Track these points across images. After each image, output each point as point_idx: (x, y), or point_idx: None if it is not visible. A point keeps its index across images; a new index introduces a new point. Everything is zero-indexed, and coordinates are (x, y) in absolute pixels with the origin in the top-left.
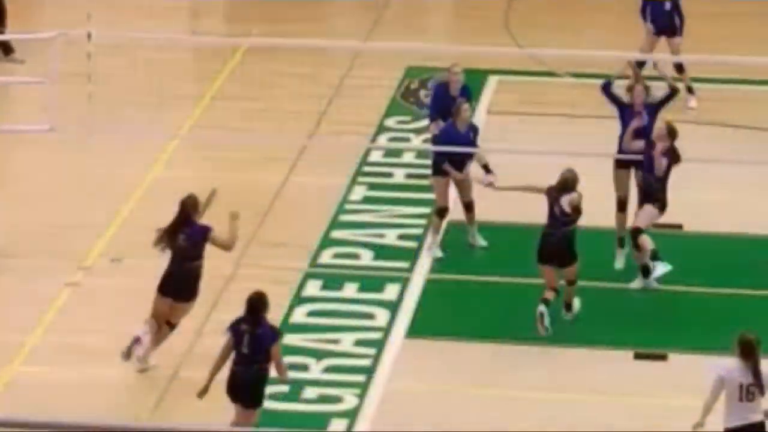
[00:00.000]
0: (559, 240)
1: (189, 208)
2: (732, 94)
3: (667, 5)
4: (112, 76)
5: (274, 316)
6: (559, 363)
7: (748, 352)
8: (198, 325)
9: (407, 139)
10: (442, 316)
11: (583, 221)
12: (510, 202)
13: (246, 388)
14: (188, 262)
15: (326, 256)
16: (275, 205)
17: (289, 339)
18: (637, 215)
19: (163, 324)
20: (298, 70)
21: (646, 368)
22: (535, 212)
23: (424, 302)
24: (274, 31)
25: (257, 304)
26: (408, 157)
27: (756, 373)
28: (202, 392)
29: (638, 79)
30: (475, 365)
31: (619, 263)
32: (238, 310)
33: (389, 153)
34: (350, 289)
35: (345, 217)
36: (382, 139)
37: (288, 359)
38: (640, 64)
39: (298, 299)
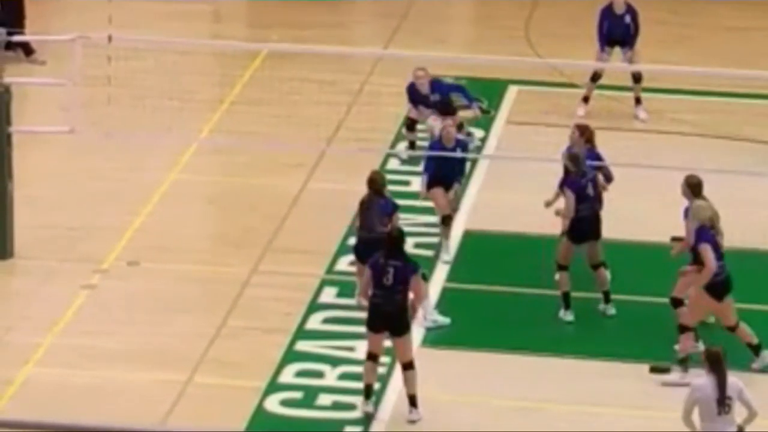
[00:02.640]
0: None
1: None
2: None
3: (627, 18)
4: (132, 79)
5: (289, 322)
6: (576, 375)
7: (716, 366)
8: (213, 331)
9: (425, 147)
10: (458, 325)
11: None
12: (527, 213)
13: (396, 317)
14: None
15: (343, 263)
16: (293, 211)
17: (304, 346)
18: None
19: None
20: (317, 76)
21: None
22: (554, 223)
23: (440, 311)
24: (294, 37)
25: (399, 238)
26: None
27: (722, 386)
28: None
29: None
30: (491, 375)
31: None
32: (254, 316)
33: (407, 160)
34: None
35: None
36: (401, 147)
37: (303, 366)
38: (596, 78)
39: (315, 306)
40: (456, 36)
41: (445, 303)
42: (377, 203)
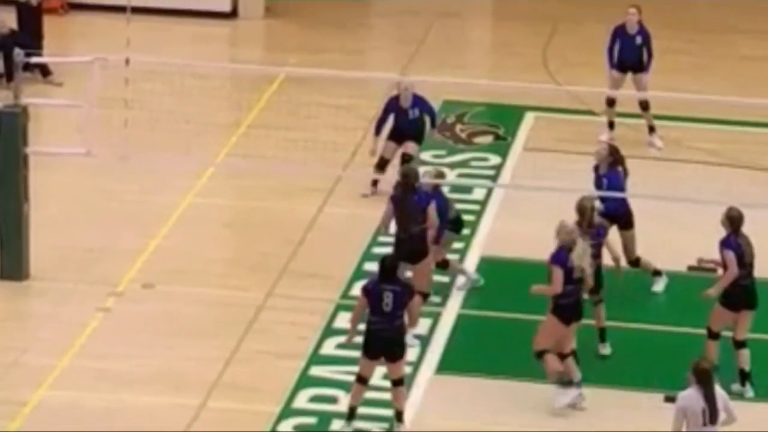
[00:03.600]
0: None
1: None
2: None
3: (638, 39)
4: (149, 102)
5: (303, 347)
6: (589, 404)
7: (705, 381)
8: (227, 355)
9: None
10: (473, 353)
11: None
12: (544, 240)
13: (395, 343)
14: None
15: (358, 289)
16: (308, 235)
17: (318, 371)
18: None
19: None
20: (334, 101)
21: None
22: None
23: (455, 338)
24: (311, 61)
25: (394, 264)
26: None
27: (711, 399)
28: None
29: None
30: (505, 403)
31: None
32: (269, 340)
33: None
34: None
35: (378, 250)
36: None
37: (317, 391)
38: (612, 102)
39: (329, 331)
40: (474, 62)
41: (459, 330)
42: (411, 199)
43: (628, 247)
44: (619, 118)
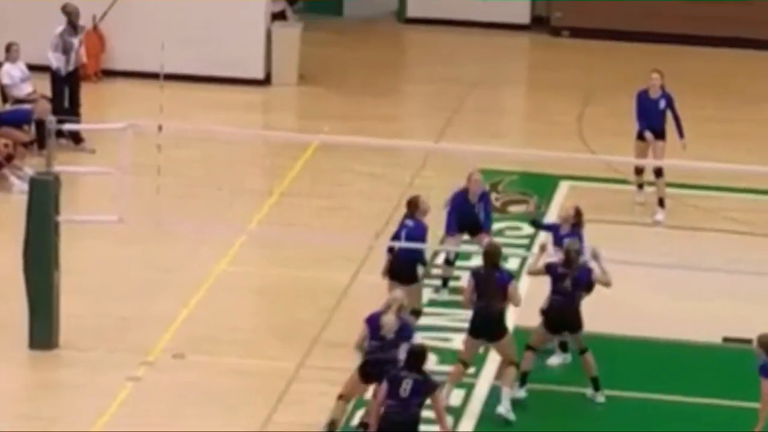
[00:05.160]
0: None
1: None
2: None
3: (662, 104)
4: (182, 169)
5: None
6: None
7: None
8: (258, 426)
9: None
10: (507, 424)
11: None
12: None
13: (408, 430)
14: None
15: None
16: (342, 304)
17: None
18: None
19: None
20: (368, 168)
21: None
22: (615, 322)
23: (488, 409)
24: (345, 129)
25: (421, 354)
26: (475, 260)
27: None
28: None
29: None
30: None
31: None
32: (300, 411)
33: (457, 256)
34: None
35: None
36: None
37: None
38: (639, 171)
39: (361, 402)
40: (508, 130)
41: (492, 400)
42: (494, 276)
43: None
44: (649, 187)
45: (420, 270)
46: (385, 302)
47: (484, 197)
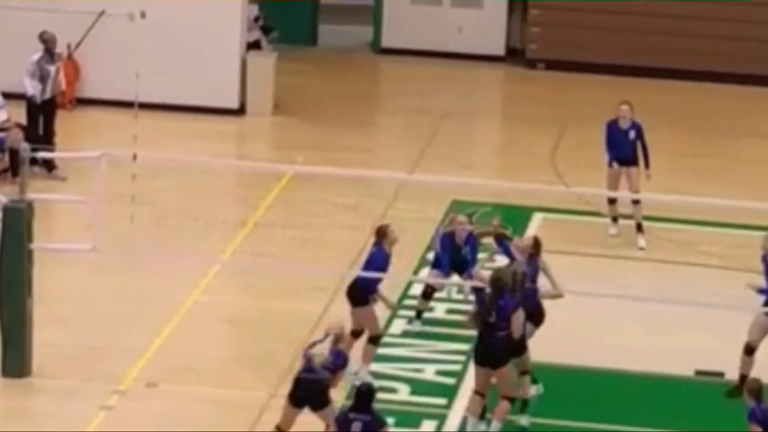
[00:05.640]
0: None
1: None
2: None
3: (631, 134)
4: (156, 198)
5: None
6: None
7: None
8: None
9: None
10: None
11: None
12: (555, 341)
13: None
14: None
15: None
16: (314, 335)
17: None
18: None
19: None
20: (342, 199)
21: None
22: (588, 355)
23: None
24: (319, 159)
25: (369, 393)
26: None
27: None
28: None
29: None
30: None
31: None
32: None
33: (433, 291)
34: None
35: (383, 351)
36: (424, 273)
37: None
38: (613, 201)
39: None
40: (482, 162)
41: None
42: (498, 303)
43: None
44: (625, 221)
45: (371, 296)
46: (324, 331)
47: (470, 239)
